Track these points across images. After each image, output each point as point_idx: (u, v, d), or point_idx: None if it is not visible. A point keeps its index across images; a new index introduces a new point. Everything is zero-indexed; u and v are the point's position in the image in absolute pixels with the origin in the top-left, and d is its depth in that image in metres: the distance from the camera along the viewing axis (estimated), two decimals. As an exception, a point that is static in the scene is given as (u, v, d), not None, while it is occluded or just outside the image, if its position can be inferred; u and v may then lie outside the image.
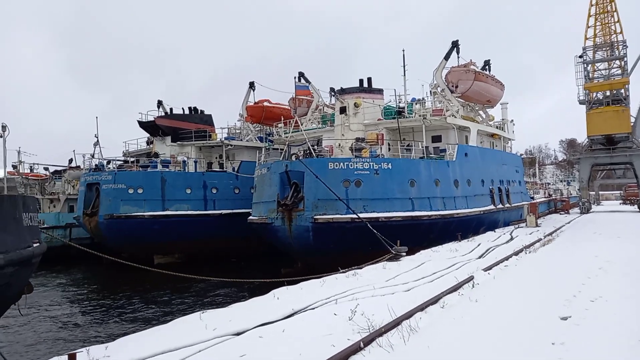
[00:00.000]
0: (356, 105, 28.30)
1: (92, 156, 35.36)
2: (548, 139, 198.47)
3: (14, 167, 41.55)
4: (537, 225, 27.10)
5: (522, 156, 79.87)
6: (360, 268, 12.18)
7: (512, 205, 32.24)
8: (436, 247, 17.30)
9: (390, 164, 23.41)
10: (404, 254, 13.90)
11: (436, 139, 29.21)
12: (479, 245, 17.55)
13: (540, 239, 19.23)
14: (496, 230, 25.42)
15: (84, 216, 30.72)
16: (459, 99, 30.90)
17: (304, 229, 22.50)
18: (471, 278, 9.97)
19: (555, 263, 11.90)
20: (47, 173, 44.97)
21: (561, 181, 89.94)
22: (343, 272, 11.12)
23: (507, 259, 13.36)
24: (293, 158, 23.91)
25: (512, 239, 20.18)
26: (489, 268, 11.43)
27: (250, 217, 26.22)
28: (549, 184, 78.00)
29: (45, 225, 35.92)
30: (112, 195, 29.94)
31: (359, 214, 20.61)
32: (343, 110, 28.46)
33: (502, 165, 32.83)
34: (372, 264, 12.92)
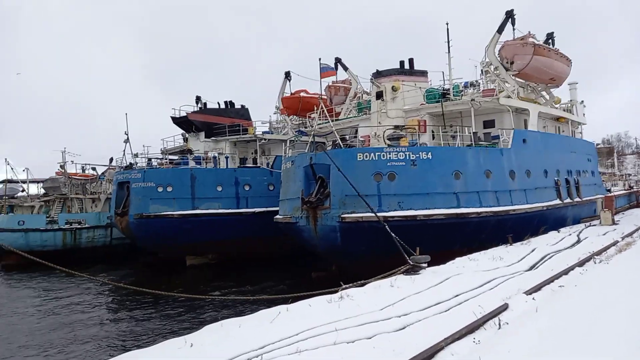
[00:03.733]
0: (394, 89, 25.12)
1: (136, 155, 34.52)
2: (628, 127, 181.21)
3: (62, 167, 42.03)
4: (613, 223, 22.66)
5: (599, 145, 72.13)
6: (362, 285, 9.40)
7: (583, 199, 27.64)
8: (475, 254, 14.00)
9: (430, 153, 20.18)
10: (425, 265, 10.91)
11: (489, 124, 25.43)
12: (533, 250, 14.02)
13: (617, 242, 15.33)
14: (561, 230, 21.39)
15: (116, 216, 29.89)
16: (517, 79, 26.83)
17: (330, 229, 19.92)
18: (504, 308, 6.93)
19: (637, 282, 8.43)
20: (95, 173, 45.32)
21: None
22: (329, 294, 8.36)
23: (566, 272, 9.97)
24: (319, 150, 21.38)
25: (579, 241, 16.32)
26: (536, 289, 8.22)
27: (276, 217, 24.01)
28: (629, 175, 69.86)
29: (87, 225, 35.90)
30: (141, 194, 28.83)
31: (383, 213, 17.94)
32: (379, 95, 25.40)
33: (571, 153, 28.30)
34: (382, 278, 10.07)
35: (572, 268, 10.50)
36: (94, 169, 45.79)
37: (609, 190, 36.35)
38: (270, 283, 23.43)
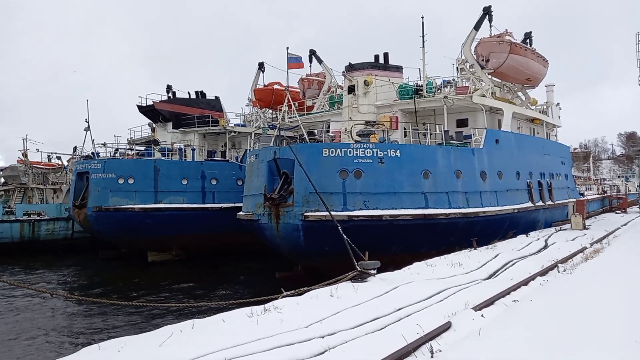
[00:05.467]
0: (366, 84, 24.22)
1: (104, 144, 32.95)
2: (604, 132, 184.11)
3: (23, 155, 40.23)
4: (584, 228, 22.18)
5: (576, 150, 72.47)
6: (299, 294, 8.46)
7: (556, 202, 27.23)
8: (433, 259, 13.17)
9: (398, 150, 19.40)
10: (374, 271, 10.04)
11: (462, 123, 24.79)
12: (496, 256, 13.27)
13: (585, 248, 14.70)
14: (530, 234, 20.82)
15: (74, 208, 28.42)
16: (494, 78, 26.20)
17: (293, 228, 18.98)
18: (445, 328, 6.07)
19: (601, 295, 7.63)
20: (60, 162, 43.52)
21: (619, 177, 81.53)
22: (261, 304, 7.37)
23: (525, 283, 9.20)
24: (284, 144, 20.41)
25: (546, 246, 15.67)
26: (487, 304, 7.37)
27: (239, 213, 22.96)
28: (604, 179, 70.48)
29: (47, 217, 34.22)
30: (100, 186, 27.43)
31: (348, 212, 17.23)
32: (351, 89, 24.48)
33: (544, 155, 27.83)
34: (325, 286, 9.14)
35: (533, 278, 9.73)
36: (59, 157, 43.99)
37: (583, 195, 36.14)
38: (232, 283, 22.42)
